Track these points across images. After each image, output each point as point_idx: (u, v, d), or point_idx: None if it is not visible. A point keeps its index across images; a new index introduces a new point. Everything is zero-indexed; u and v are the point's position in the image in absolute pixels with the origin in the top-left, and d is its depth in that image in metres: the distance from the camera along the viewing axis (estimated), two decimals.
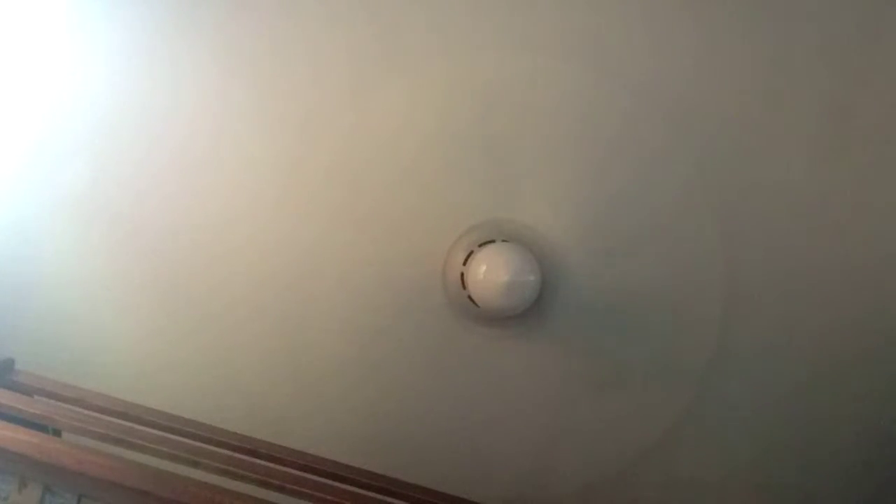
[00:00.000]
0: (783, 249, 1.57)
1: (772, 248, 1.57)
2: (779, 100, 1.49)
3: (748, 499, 1.70)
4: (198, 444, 1.21)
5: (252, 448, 1.25)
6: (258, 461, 1.21)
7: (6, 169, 1.54)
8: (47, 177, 1.54)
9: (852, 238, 1.55)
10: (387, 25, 1.50)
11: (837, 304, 1.59)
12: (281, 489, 1.10)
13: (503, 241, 1.57)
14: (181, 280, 1.62)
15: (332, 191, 1.59)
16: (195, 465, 1.12)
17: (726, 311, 1.59)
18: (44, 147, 1.54)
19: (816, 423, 1.65)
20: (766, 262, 1.58)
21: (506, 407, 1.67)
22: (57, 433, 1.14)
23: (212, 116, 1.55)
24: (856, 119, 1.50)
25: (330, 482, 1.21)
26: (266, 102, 1.55)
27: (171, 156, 1.57)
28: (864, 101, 1.49)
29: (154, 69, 1.54)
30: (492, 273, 1.49)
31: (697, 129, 1.52)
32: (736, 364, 1.62)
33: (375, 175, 1.58)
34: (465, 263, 1.57)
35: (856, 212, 1.54)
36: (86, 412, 1.19)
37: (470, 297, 1.56)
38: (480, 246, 1.57)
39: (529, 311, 1.57)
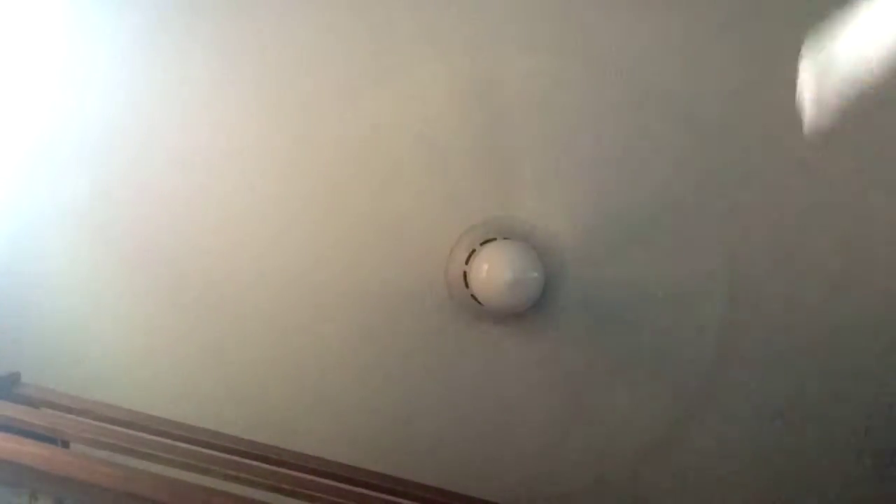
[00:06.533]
0: (784, 241, 1.57)
1: (773, 240, 1.57)
2: (777, 92, 1.50)
3: (756, 491, 1.70)
4: (207, 451, 1.20)
5: (262, 454, 1.25)
6: (269, 466, 1.20)
7: (7, 182, 1.54)
8: (48, 189, 1.54)
9: (852, 225, 1.56)
10: (385, 26, 1.50)
11: (838, 293, 1.60)
12: (293, 494, 1.10)
13: (505, 238, 1.57)
14: (184, 287, 1.62)
15: (333, 192, 1.59)
16: (206, 472, 1.11)
17: (729, 303, 1.60)
18: (43, 160, 1.54)
19: (821, 414, 1.65)
20: (768, 254, 1.58)
21: (512, 404, 1.67)
22: (66, 445, 1.13)
23: (210, 121, 1.55)
24: (852, 108, 1.51)
25: (341, 485, 1.21)
26: (265, 106, 1.55)
27: (170, 163, 1.57)
28: (860, 90, 1.50)
29: (150, 77, 1.54)
30: (495, 271, 1.49)
31: (696, 123, 1.53)
32: (740, 355, 1.63)
33: (376, 175, 1.58)
34: (467, 262, 1.57)
35: (855, 198, 1.55)
36: (94, 423, 1.18)
37: (473, 296, 1.56)
38: (482, 244, 1.56)
39: (533, 309, 1.57)
